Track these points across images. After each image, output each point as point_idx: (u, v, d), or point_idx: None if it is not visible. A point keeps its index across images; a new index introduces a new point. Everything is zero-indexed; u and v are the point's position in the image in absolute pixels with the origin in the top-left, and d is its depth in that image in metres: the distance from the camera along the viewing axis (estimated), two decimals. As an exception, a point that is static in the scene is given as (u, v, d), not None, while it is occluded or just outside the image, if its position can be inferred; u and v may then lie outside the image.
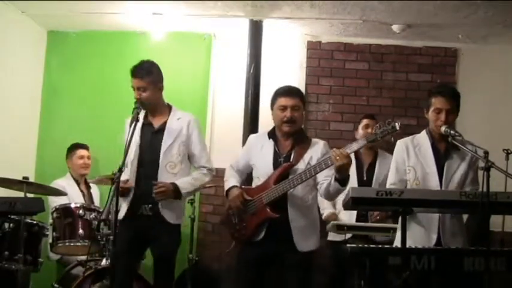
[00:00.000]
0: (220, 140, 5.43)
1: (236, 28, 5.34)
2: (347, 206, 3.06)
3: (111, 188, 3.25)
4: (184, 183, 3.63)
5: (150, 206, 3.57)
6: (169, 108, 3.79)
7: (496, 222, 4.48)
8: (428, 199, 2.87)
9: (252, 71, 5.15)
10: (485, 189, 2.71)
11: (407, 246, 2.91)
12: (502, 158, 4.29)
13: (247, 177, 3.67)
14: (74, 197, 4.69)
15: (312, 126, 5.54)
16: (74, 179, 4.98)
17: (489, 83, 5.44)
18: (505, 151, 4.48)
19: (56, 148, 5.42)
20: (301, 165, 3.34)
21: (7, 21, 5.10)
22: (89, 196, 4.97)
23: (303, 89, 5.52)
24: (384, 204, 2.92)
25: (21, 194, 3.99)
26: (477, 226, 3.17)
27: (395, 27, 5.17)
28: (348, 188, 4.33)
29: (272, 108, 3.50)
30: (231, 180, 3.54)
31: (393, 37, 5.41)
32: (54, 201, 4.47)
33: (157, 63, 3.81)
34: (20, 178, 4.03)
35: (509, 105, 5.39)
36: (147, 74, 3.70)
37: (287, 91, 3.47)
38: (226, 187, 3.55)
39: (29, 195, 4.14)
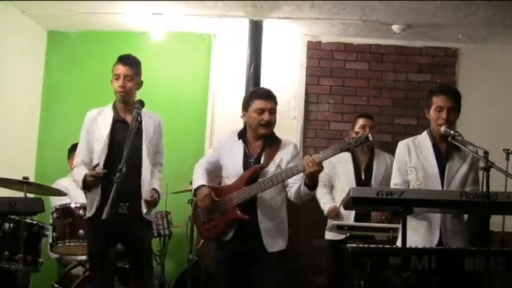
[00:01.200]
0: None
1: (236, 28, 5.34)
2: (347, 206, 3.06)
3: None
4: (160, 187, 3.75)
5: (127, 204, 3.56)
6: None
7: (496, 222, 4.48)
8: (429, 199, 2.87)
9: (252, 71, 5.16)
10: (485, 189, 2.71)
11: (407, 246, 2.91)
12: (502, 158, 4.29)
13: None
14: (77, 198, 4.68)
15: (312, 126, 5.55)
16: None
17: (489, 83, 5.44)
18: (505, 151, 4.48)
19: (56, 148, 5.42)
20: (271, 167, 3.37)
21: (7, 21, 5.10)
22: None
23: (303, 89, 5.57)
24: (384, 204, 2.92)
25: (21, 194, 3.98)
26: (477, 226, 3.17)
27: (395, 27, 5.17)
28: (345, 187, 4.41)
29: (246, 110, 3.48)
30: (200, 179, 3.54)
31: (393, 37, 5.42)
32: (56, 202, 4.47)
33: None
34: (20, 178, 4.03)
35: (509, 105, 5.40)
36: (136, 64, 3.71)
37: (265, 94, 3.48)
38: (194, 185, 3.55)
39: (29, 195, 4.13)
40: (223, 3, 4.88)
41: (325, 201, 4.58)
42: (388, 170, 4.53)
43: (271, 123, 3.43)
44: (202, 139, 5.54)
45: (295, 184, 3.33)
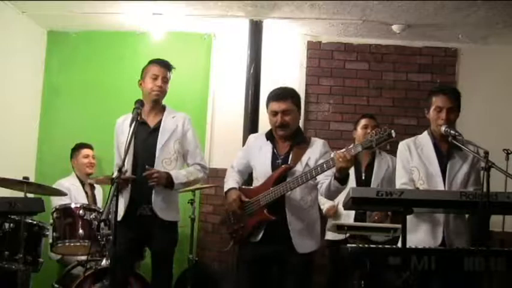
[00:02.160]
0: (220, 140, 5.44)
1: (236, 28, 5.34)
2: (347, 206, 3.06)
3: (110, 188, 3.26)
4: (178, 173, 3.64)
5: (149, 206, 3.57)
6: (163, 108, 3.80)
7: (496, 222, 4.48)
8: (429, 199, 2.88)
9: (252, 71, 5.16)
10: (485, 189, 2.71)
11: (408, 246, 2.91)
12: (502, 158, 4.28)
13: (248, 177, 3.68)
14: (78, 198, 4.69)
15: (312, 126, 5.54)
16: (79, 179, 4.98)
17: (489, 83, 5.44)
18: (505, 151, 4.47)
19: (56, 148, 5.43)
20: (299, 167, 3.34)
21: (7, 21, 5.10)
22: (92, 197, 4.97)
23: (303, 89, 5.56)
24: (384, 204, 2.92)
25: (21, 194, 3.99)
26: (477, 226, 3.17)
27: (395, 27, 5.17)
28: (348, 187, 4.41)
29: (267, 111, 3.50)
30: (230, 182, 3.53)
31: (393, 37, 5.42)
32: (57, 202, 4.47)
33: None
34: (20, 178, 4.03)
35: (509, 105, 5.39)
36: (171, 69, 3.77)
37: (276, 95, 3.45)
38: (225, 188, 3.55)
39: (29, 195, 4.14)
40: (223, 3, 4.87)
41: (324, 202, 4.58)
42: (389, 171, 4.54)
43: (284, 125, 3.39)
44: (202, 139, 5.52)
45: (326, 180, 3.28)
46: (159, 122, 3.70)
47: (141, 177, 3.53)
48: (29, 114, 5.53)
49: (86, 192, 4.93)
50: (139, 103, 3.60)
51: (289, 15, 5.09)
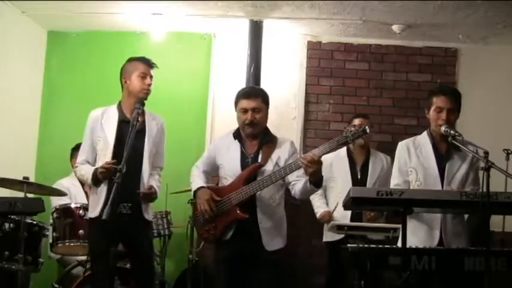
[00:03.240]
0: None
1: (236, 28, 5.34)
2: (347, 206, 3.06)
3: (110, 189, 3.26)
4: (158, 187, 3.71)
5: (130, 204, 3.55)
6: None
7: (496, 222, 4.48)
8: (429, 199, 2.87)
9: (252, 71, 5.16)
10: (485, 189, 2.71)
11: (408, 246, 2.91)
12: (502, 158, 4.29)
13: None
14: (78, 198, 4.68)
15: (312, 126, 5.55)
16: (79, 179, 4.97)
17: (489, 83, 5.44)
18: (505, 151, 4.48)
19: (56, 148, 5.42)
20: (269, 166, 3.36)
21: (7, 21, 5.10)
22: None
23: (303, 89, 5.57)
24: (384, 204, 2.92)
25: (21, 194, 3.98)
26: (477, 226, 3.17)
27: (395, 27, 5.17)
28: (341, 186, 4.42)
29: (236, 110, 3.50)
30: (198, 181, 3.54)
31: (393, 37, 5.42)
32: (57, 202, 4.47)
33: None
34: (20, 178, 4.03)
35: (509, 105, 5.40)
36: (154, 67, 3.75)
37: (247, 93, 3.48)
38: (193, 187, 3.55)
39: (29, 195, 4.13)
40: (223, 3, 4.88)
41: (319, 205, 4.58)
42: (383, 171, 4.58)
43: (254, 123, 3.40)
44: (202, 139, 5.55)
45: (298, 181, 3.30)
46: (143, 124, 3.66)
47: (125, 177, 3.40)
48: (29, 114, 5.53)
49: (86, 192, 4.91)
50: (140, 103, 3.60)
51: (289, 15, 5.10)
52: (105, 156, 3.56)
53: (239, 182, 3.35)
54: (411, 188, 3.27)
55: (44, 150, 5.59)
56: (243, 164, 3.41)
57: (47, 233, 4.22)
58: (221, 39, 5.63)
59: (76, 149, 5.05)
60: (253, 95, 3.45)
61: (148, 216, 3.66)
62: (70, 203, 4.31)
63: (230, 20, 5.24)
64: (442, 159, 3.27)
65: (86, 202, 4.68)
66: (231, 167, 3.45)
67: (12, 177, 4.04)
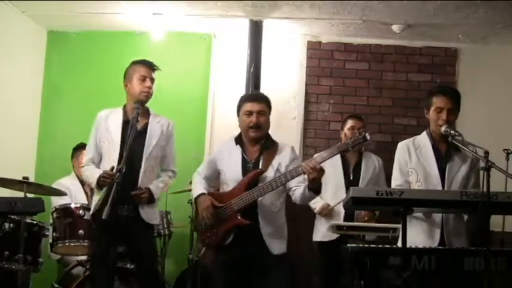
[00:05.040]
0: (220, 140, 5.43)
1: (236, 28, 5.34)
2: (347, 206, 3.06)
3: (111, 188, 3.27)
4: (157, 188, 3.67)
5: (130, 207, 3.56)
6: (148, 110, 3.79)
7: (496, 222, 4.48)
8: (429, 199, 2.87)
9: (252, 71, 5.16)
10: (485, 189, 2.71)
11: (408, 246, 2.91)
12: (502, 158, 4.29)
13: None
14: (78, 198, 4.68)
15: (312, 126, 5.54)
16: (79, 179, 4.97)
17: (489, 83, 5.45)
18: (505, 151, 4.48)
19: (56, 148, 5.42)
20: (270, 172, 3.35)
21: (7, 21, 5.10)
22: (92, 197, 4.94)
23: (303, 89, 5.57)
24: (384, 204, 2.91)
25: (21, 194, 3.98)
26: (477, 226, 3.17)
27: (395, 27, 5.17)
28: (334, 187, 4.42)
29: (238, 114, 3.50)
30: (199, 187, 3.52)
31: (393, 37, 5.42)
32: (56, 202, 4.47)
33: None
34: (20, 178, 4.03)
35: (509, 105, 5.40)
36: (156, 69, 3.76)
37: (253, 96, 3.51)
38: (194, 194, 3.54)
39: (29, 195, 4.13)
40: (223, 3, 4.88)
41: (315, 201, 4.57)
42: (375, 172, 4.60)
43: (259, 126, 3.40)
44: (202, 139, 5.55)
45: (298, 187, 3.30)
46: (146, 125, 3.68)
47: (124, 178, 3.44)
48: (29, 114, 5.53)
49: (86, 192, 4.91)
50: (140, 103, 3.61)
51: (289, 15, 5.10)
52: (110, 157, 3.58)
53: (240, 188, 3.34)
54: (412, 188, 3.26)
55: (44, 150, 5.60)
56: (244, 170, 3.40)
57: (47, 233, 4.22)
58: (221, 39, 5.64)
59: (77, 148, 5.06)
60: (259, 99, 3.47)
61: (148, 218, 3.63)
62: (70, 203, 4.31)
63: (230, 20, 5.25)
64: (442, 160, 3.26)
65: (86, 202, 4.69)
66: (232, 173, 3.43)
67: (12, 177, 4.03)
